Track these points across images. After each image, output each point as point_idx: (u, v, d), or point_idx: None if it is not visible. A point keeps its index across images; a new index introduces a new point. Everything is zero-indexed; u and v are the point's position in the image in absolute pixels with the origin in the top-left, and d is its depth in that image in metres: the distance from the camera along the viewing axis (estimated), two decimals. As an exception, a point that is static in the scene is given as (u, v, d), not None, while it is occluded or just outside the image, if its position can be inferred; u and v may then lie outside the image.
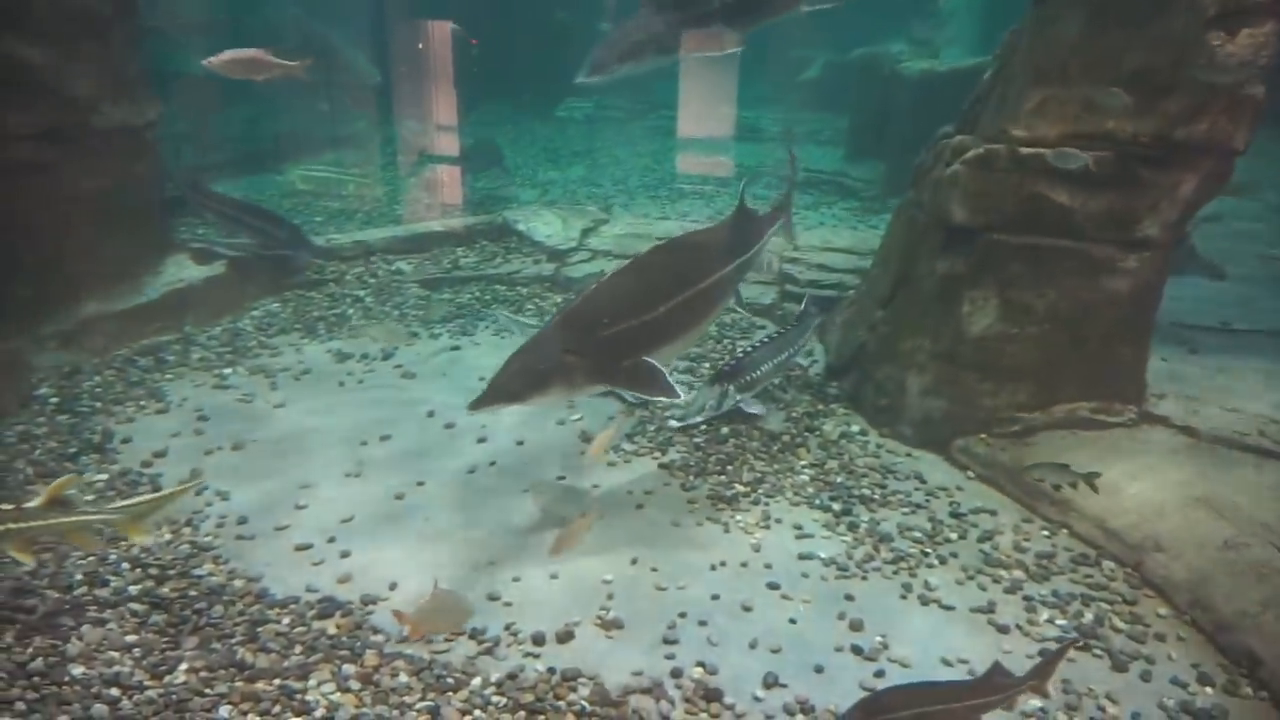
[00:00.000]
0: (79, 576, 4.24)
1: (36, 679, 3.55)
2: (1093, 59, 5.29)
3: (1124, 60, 5.22)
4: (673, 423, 5.86)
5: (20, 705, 3.41)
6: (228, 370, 6.69)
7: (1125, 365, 5.71)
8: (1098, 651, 4.11)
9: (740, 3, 5.87)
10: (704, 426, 6.17)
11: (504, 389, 4.41)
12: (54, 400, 5.96)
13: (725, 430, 6.07)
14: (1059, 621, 4.31)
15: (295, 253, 8.33)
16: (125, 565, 4.35)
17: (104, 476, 5.13)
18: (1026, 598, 4.49)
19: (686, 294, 4.95)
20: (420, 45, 12.50)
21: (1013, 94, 5.71)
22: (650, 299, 4.80)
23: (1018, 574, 4.68)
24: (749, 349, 6.00)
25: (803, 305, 6.73)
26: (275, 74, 5.98)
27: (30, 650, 3.71)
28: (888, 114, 12.91)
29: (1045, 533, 5.06)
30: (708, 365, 7.05)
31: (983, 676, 3.33)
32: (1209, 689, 3.92)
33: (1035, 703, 3.78)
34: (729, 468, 5.61)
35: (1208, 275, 7.44)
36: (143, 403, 6.09)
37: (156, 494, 4.04)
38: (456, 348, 7.31)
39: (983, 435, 5.77)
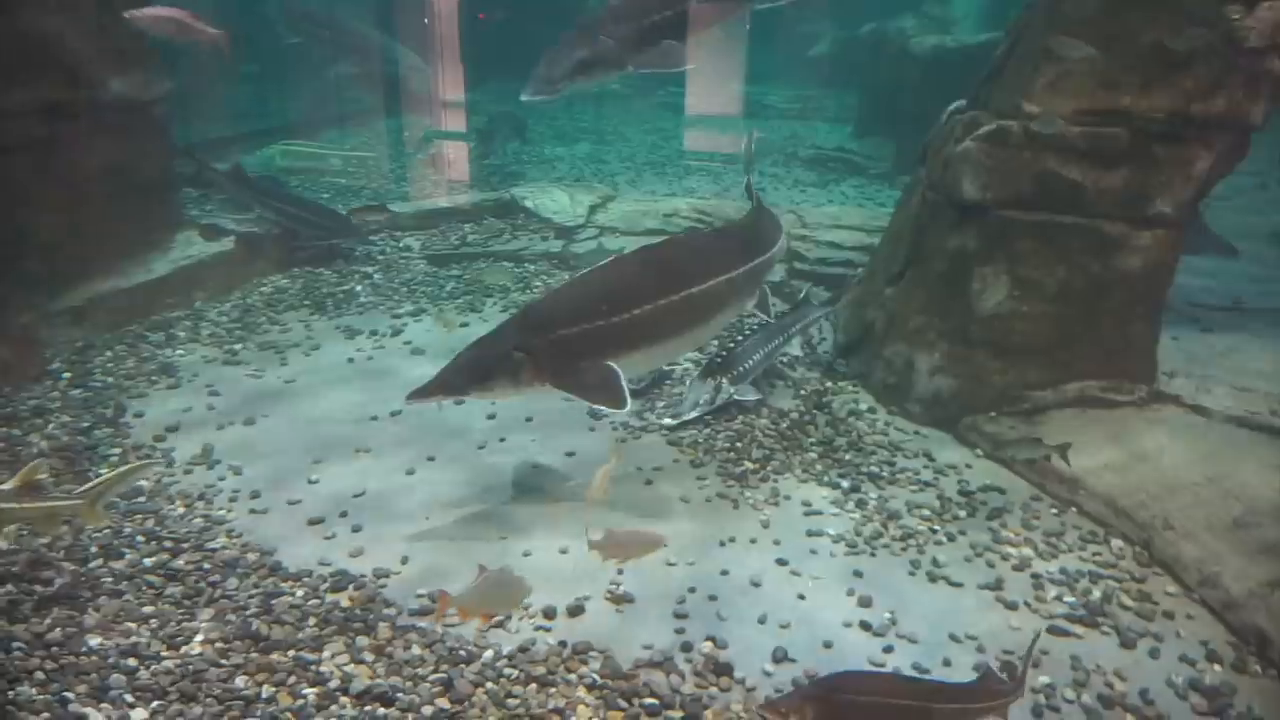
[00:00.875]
0: (94, 549, 4.27)
1: (55, 649, 3.60)
2: (1109, 33, 5.24)
3: (1141, 35, 5.18)
4: (667, 421, 5.70)
5: (39, 675, 3.45)
6: (238, 346, 6.71)
7: (1136, 343, 5.69)
8: (1106, 629, 4.12)
9: (684, 15, 5.68)
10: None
11: (446, 381, 4.42)
12: (67, 375, 5.99)
13: (733, 407, 6.06)
14: (1067, 599, 4.32)
15: (346, 241, 8.50)
16: (140, 538, 4.38)
17: (118, 450, 5.17)
18: (1035, 575, 4.50)
19: (668, 299, 4.73)
20: (426, 20, 12.41)
21: (1026, 70, 5.65)
22: (621, 301, 4.60)
23: (1026, 551, 4.69)
24: (740, 338, 6.00)
25: (803, 294, 6.73)
26: (196, 38, 5.98)
27: (48, 621, 3.75)
28: (897, 90, 12.81)
29: (1054, 511, 5.07)
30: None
31: (970, 683, 3.28)
32: (1217, 666, 3.92)
33: (1044, 679, 3.81)
34: (738, 445, 5.61)
35: (1220, 253, 7.39)
36: (154, 378, 6.12)
37: (110, 475, 3.93)
38: (465, 324, 7.32)
39: (992, 413, 5.76)
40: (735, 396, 5.82)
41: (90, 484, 3.90)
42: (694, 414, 5.63)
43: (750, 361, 5.96)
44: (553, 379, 4.48)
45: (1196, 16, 5.07)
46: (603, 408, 4.44)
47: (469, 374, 4.44)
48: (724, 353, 5.91)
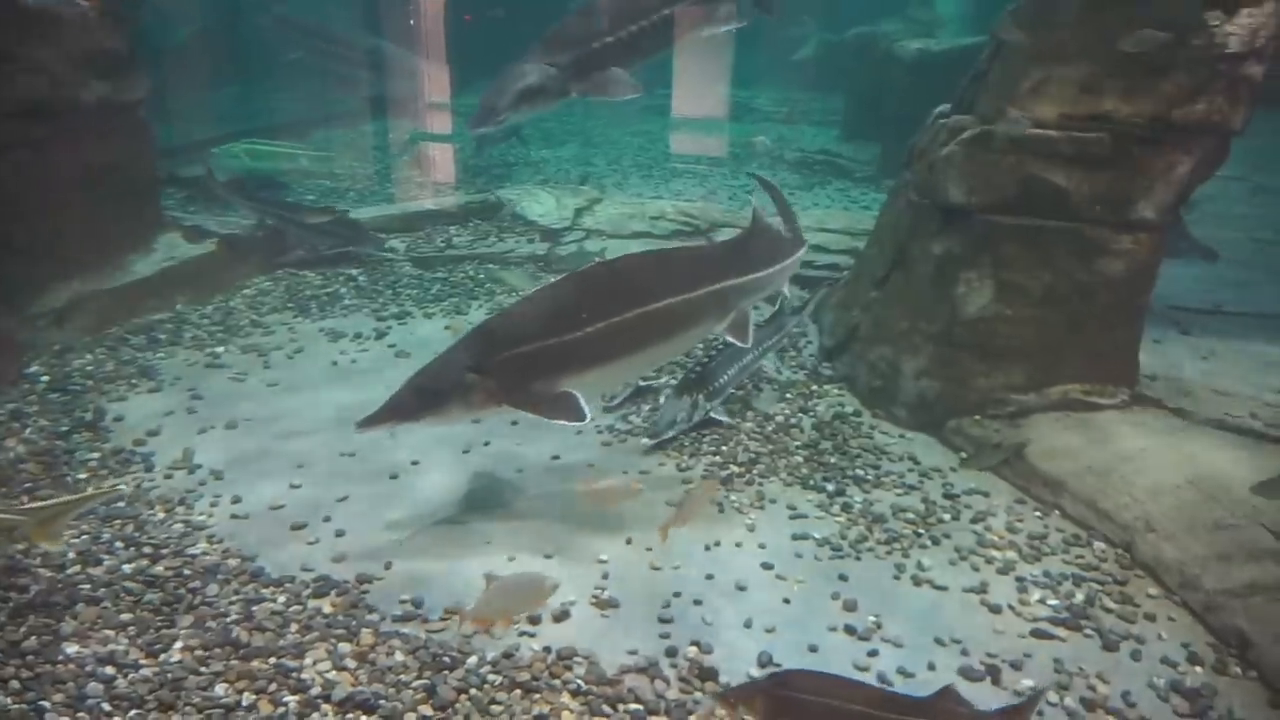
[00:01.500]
0: (72, 555, 4.22)
1: (30, 658, 3.55)
2: (1091, 39, 5.28)
3: (1121, 40, 5.21)
4: (645, 441, 5.56)
5: (14, 684, 3.40)
6: (220, 349, 6.65)
7: (1119, 347, 5.73)
8: (1088, 631, 4.14)
9: (632, 41, 5.55)
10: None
11: (397, 407, 4.33)
12: (45, 378, 5.92)
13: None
14: (1050, 601, 4.34)
15: (360, 248, 8.54)
16: (119, 544, 4.33)
17: (96, 455, 5.11)
18: (1019, 578, 4.51)
19: (624, 316, 4.53)
20: (411, 21, 12.35)
21: (1010, 74, 5.68)
22: (576, 319, 4.45)
23: (1010, 555, 4.70)
24: (713, 352, 5.88)
25: (777, 305, 6.48)
26: None
27: (24, 629, 3.70)
28: (883, 94, 12.87)
29: (1038, 514, 5.09)
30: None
31: (928, 696, 3.15)
32: (1198, 668, 3.95)
33: (1027, 682, 3.82)
34: (724, 448, 5.61)
35: (1200, 258, 7.46)
36: (135, 381, 6.05)
37: (67, 498, 3.82)
38: (449, 327, 7.28)
39: (976, 416, 5.79)
40: (711, 415, 5.73)
41: (44, 504, 3.76)
42: (671, 433, 5.54)
43: (725, 377, 5.87)
44: (508, 399, 4.36)
45: (1177, 23, 5.12)
46: (562, 422, 4.28)
47: (421, 399, 4.33)
48: (699, 368, 5.79)
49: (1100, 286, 5.54)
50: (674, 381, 6.11)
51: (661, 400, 5.89)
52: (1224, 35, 4.97)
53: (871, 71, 13.41)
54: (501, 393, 4.34)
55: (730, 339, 5.18)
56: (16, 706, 3.29)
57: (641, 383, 6.11)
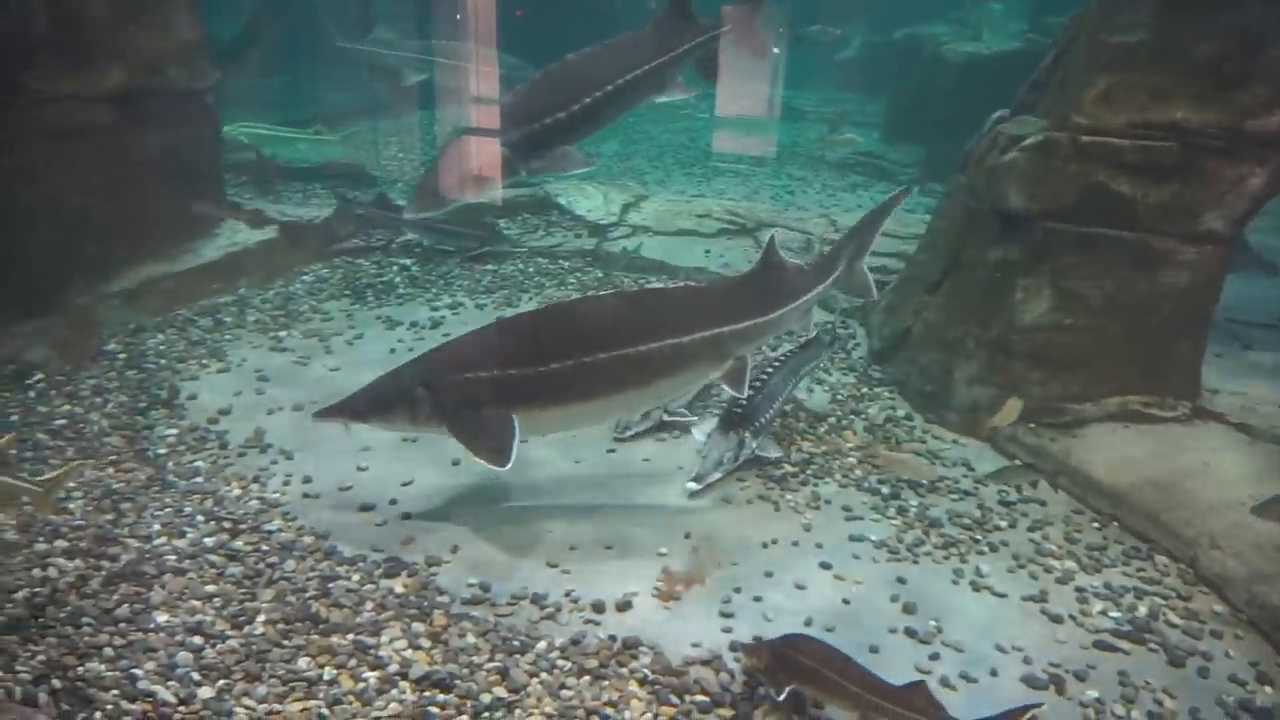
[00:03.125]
0: (157, 527, 4.36)
1: (124, 625, 3.67)
2: (1163, 47, 5.25)
3: (1195, 49, 5.18)
4: (691, 485, 5.01)
5: (109, 651, 3.52)
6: (283, 333, 6.79)
7: (1181, 359, 5.70)
8: (1153, 646, 4.13)
9: (582, 117, 5.44)
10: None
11: (350, 405, 4.47)
12: (122, 356, 6.09)
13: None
14: (1112, 614, 4.34)
15: (496, 248, 8.80)
16: (200, 518, 4.47)
17: (174, 431, 5.26)
18: (1079, 589, 4.52)
19: (594, 358, 4.31)
20: (459, 15, 12.44)
21: (1075, 80, 5.67)
22: (539, 353, 4.32)
23: (1070, 564, 4.71)
24: (757, 384, 5.41)
25: (814, 332, 6.17)
26: None
27: (116, 597, 3.83)
28: (928, 96, 12.81)
29: (1096, 525, 5.09)
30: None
31: (902, 687, 3.35)
32: (1268, 688, 3.93)
33: (1092, 693, 3.83)
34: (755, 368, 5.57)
35: (1260, 271, 7.38)
36: (205, 361, 6.21)
37: (61, 471, 3.86)
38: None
39: (1031, 424, 5.78)
40: (757, 453, 5.27)
41: (49, 475, 3.84)
42: (718, 475, 5.05)
43: (771, 412, 5.43)
44: (446, 421, 4.30)
45: (1252, 31, 5.09)
46: (481, 461, 4.14)
47: (371, 403, 4.43)
48: (744, 402, 5.24)
49: (1163, 298, 5.52)
50: (692, 414, 5.76)
51: (698, 436, 5.39)
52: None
53: (918, 73, 13.34)
54: (443, 414, 4.30)
55: (727, 388, 4.82)
56: (111, 674, 3.40)
57: (666, 416, 5.69)
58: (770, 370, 5.60)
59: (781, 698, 3.46)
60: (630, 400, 4.65)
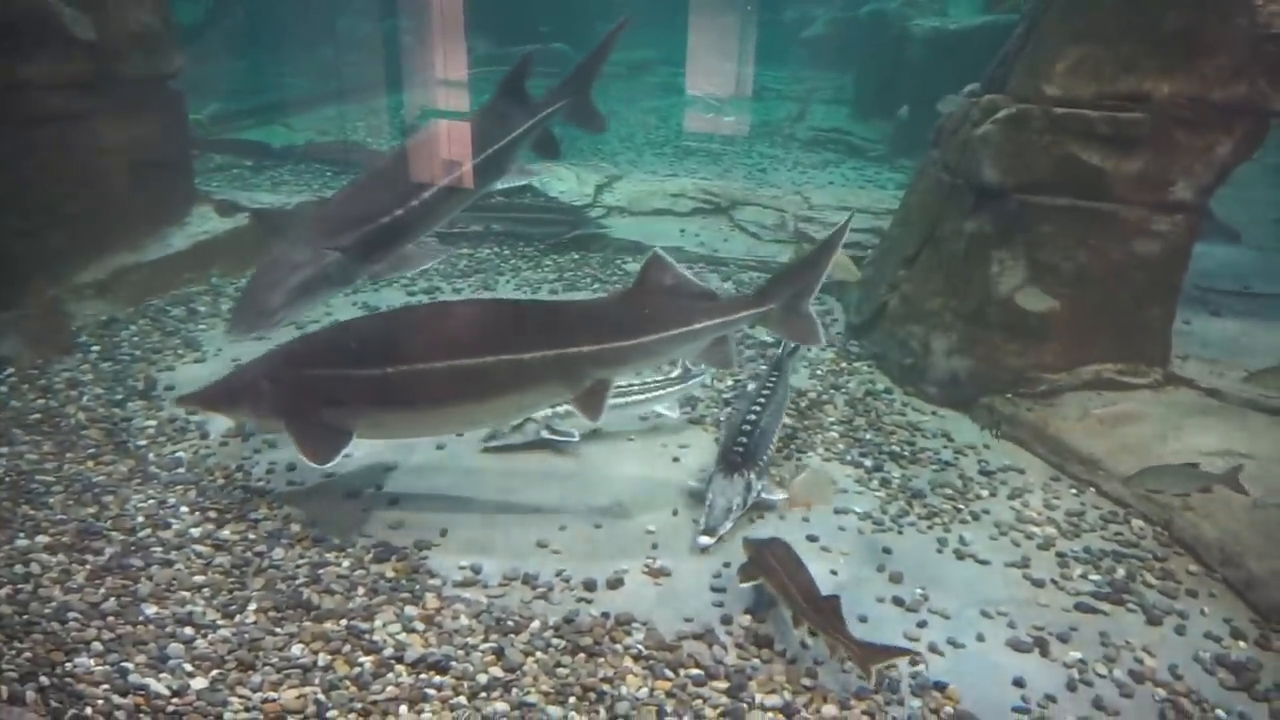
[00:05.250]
0: (140, 519, 4.31)
1: (111, 619, 3.63)
2: (1132, 18, 5.31)
3: (1164, 19, 5.24)
4: (703, 540, 4.44)
5: (97, 645, 3.48)
6: (257, 321, 6.69)
7: (1152, 327, 5.80)
8: (1131, 606, 4.23)
9: (420, 213, 5.14)
10: (732, 380, 6.22)
11: (203, 394, 4.49)
12: (96, 348, 5.99)
13: (752, 389, 6.10)
14: (1092, 577, 4.43)
15: (584, 229, 8.93)
16: (184, 509, 4.42)
17: (153, 423, 5.19)
18: (1060, 554, 4.61)
19: (437, 364, 4.17)
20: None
21: (1045, 53, 5.71)
22: (385, 355, 4.20)
23: (1050, 531, 4.80)
24: (750, 418, 4.96)
25: (781, 350, 5.83)
26: None
27: (103, 590, 3.79)
28: (896, 72, 12.85)
29: (1074, 491, 5.18)
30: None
31: (829, 597, 3.78)
32: (1242, 643, 4.05)
33: (1075, 654, 3.92)
34: (743, 400, 5.60)
35: (1225, 239, 7.53)
36: (180, 351, 6.13)
37: None
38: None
39: (1008, 395, 5.87)
40: (763, 495, 4.79)
41: None
42: (729, 524, 4.50)
43: (770, 449, 4.99)
44: (285, 417, 4.26)
45: (1219, 1, 5.15)
46: (305, 459, 4.11)
47: (221, 393, 4.45)
48: (743, 440, 4.80)
49: (1135, 267, 5.61)
50: (571, 433, 5.33)
51: (706, 487, 4.72)
52: (1268, 15, 5.00)
53: (885, 50, 13.37)
54: (282, 411, 4.27)
55: (579, 413, 4.44)
56: (100, 668, 3.36)
57: (546, 433, 5.28)
58: (761, 401, 5.15)
59: (743, 585, 4.02)
60: (470, 413, 4.49)
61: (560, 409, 5.19)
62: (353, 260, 4.86)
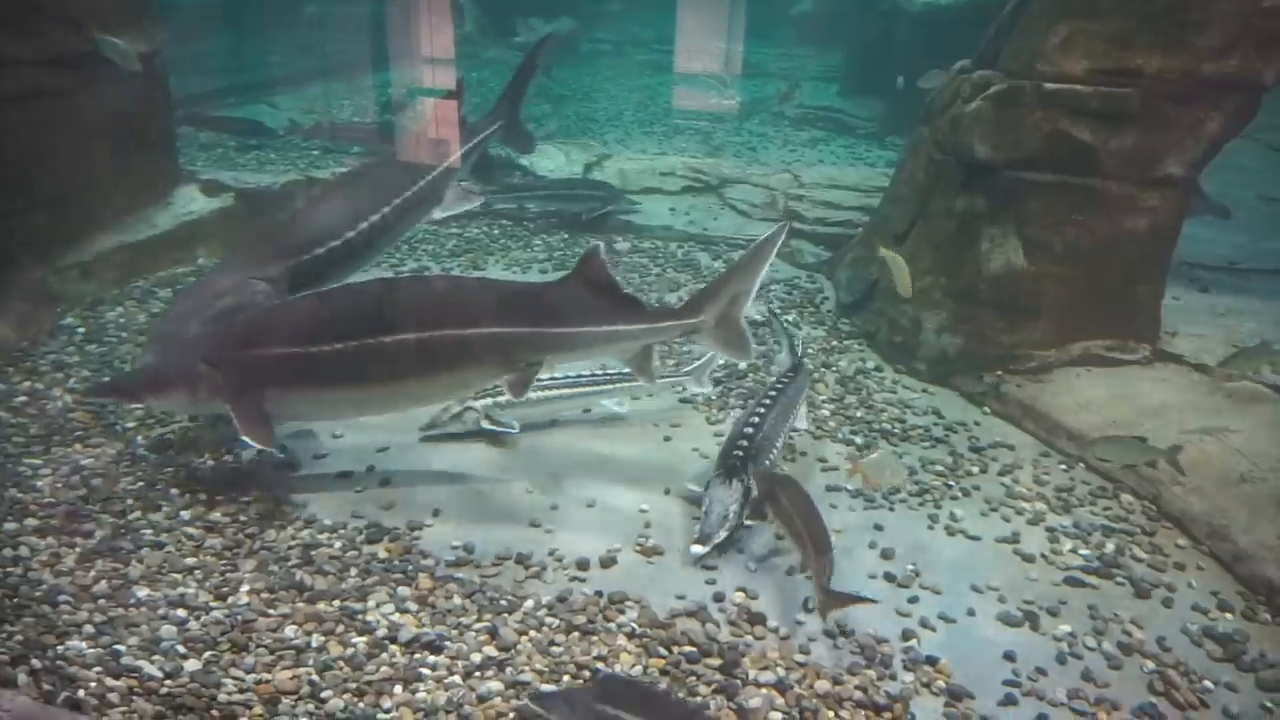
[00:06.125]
0: (130, 501, 4.28)
1: (102, 601, 3.62)
2: (1125, -8, 5.28)
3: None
4: (696, 549, 4.20)
5: (88, 628, 3.47)
6: (245, 302, 6.64)
7: (1141, 303, 5.82)
8: (1120, 580, 4.28)
9: (357, 243, 5.10)
10: (720, 362, 6.19)
11: (124, 384, 4.36)
12: (81, 330, 5.92)
13: (743, 366, 6.11)
14: (1082, 551, 4.48)
15: (618, 206, 8.88)
16: (174, 491, 4.39)
17: (140, 406, 5.13)
18: (1050, 529, 4.65)
19: (372, 340, 4.13)
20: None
21: (1037, 28, 5.68)
22: (320, 333, 4.16)
23: (1039, 506, 4.83)
24: (754, 420, 4.73)
25: (790, 351, 5.54)
26: None
27: (93, 573, 3.77)
28: (887, 49, 12.76)
29: (1063, 467, 5.22)
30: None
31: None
32: (1229, 615, 4.10)
33: (1065, 627, 3.96)
34: (750, 402, 5.67)
35: (1213, 215, 7.53)
36: (166, 334, 6.05)
37: None
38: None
39: (999, 372, 5.88)
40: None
41: None
42: (724, 534, 4.27)
43: (773, 455, 4.73)
44: (226, 398, 4.19)
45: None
46: (247, 440, 4.11)
47: (147, 382, 4.33)
48: (743, 443, 4.57)
49: (1125, 243, 5.62)
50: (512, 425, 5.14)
51: (703, 491, 4.52)
52: (1262, -10, 4.99)
53: (876, 27, 13.27)
54: (224, 392, 4.19)
55: (507, 392, 4.45)
56: (93, 651, 3.35)
57: (486, 424, 5.12)
58: (767, 403, 4.91)
59: (744, 518, 4.23)
60: (414, 390, 4.45)
61: (501, 399, 5.07)
62: (281, 292, 4.88)
